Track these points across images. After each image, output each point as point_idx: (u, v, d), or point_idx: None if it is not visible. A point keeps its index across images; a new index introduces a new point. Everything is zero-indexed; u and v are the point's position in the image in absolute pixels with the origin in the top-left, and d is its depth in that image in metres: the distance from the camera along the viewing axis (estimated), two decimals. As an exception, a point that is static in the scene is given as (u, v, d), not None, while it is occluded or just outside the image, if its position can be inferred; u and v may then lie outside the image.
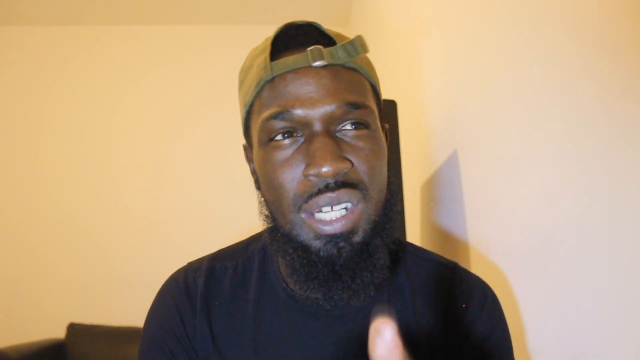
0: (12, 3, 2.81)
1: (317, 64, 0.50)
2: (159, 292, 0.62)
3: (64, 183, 2.88)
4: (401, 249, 0.63)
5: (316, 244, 0.50)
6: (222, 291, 0.60)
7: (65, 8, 2.87)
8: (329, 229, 0.49)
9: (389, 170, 0.55)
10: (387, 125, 0.61)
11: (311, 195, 0.49)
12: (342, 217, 0.49)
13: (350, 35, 0.57)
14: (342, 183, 0.49)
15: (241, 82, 0.58)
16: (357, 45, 0.52)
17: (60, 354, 2.43)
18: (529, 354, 0.74)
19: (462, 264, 0.67)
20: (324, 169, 0.47)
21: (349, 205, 0.50)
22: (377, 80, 0.58)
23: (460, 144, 1.04)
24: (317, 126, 0.50)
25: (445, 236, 1.15)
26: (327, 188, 0.49)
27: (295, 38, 0.54)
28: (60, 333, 2.53)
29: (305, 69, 0.51)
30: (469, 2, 0.99)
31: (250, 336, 0.57)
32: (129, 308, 2.47)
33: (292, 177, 0.50)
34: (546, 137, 0.68)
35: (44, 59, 3.03)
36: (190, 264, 0.63)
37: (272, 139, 0.51)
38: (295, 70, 0.51)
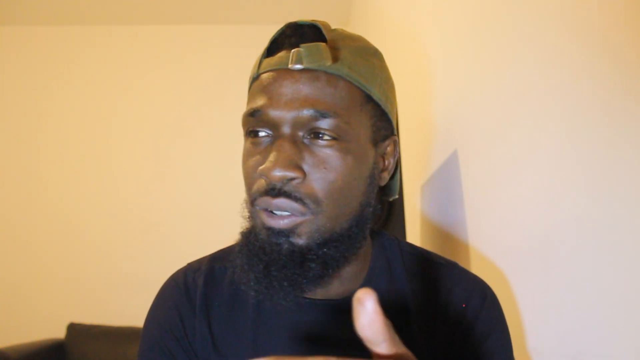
0: (12, 3, 2.81)
1: (295, 67, 0.50)
2: (158, 292, 0.62)
3: (64, 183, 2.88)
4: (401, 250, 0.63)
5: (262, 236, 0.51)
6: (221, 292, 0.60)
7: (65, 8, 2.87)
8: (272, 222, 0.50)
9: (371, 185, 0.54)
10: (395, 137, 0.59)
11: (260, 195, 0.51)
12: (285, 217, 0.50)
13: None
14: (284, 192, 0.49)
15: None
16: (322, 53, 0.50)
17: (60, 354, 2.43)
18: (528, 354, 0.74)
19: (462, 264, 0.67)
20: (271, 173, 0.48)
21: (288, 213, 0.50)
22: (380, 88, 0.55)
23: (460, 144, 1.04)
24: (285, 129, 0.50)
25: (445, 236, 1.15)
26: (268, 193, 0.49)
27: (290, 39, 0.53)
28: (60, 333, 2.53)
29: (284, 71, 0.51)
30: (469, 2, 0.99)
31: (250, 337, 0.56)
32: (129, 308, 2.48)
33: (252, 173, 0.52)
34: (546, 137, 0.68)
35: (44, 59, 3.03)
36: (189, 265, 0.63)
37: (247, 135, 0.53)
38: (275, 71, 0.51)
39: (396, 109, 0.61)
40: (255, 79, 0.54)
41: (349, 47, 0.53)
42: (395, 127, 0.59)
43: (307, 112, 0.49)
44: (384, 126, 0.56)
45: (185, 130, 2.96)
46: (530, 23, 0.72)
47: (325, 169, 0.50)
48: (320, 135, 0.50)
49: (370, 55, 0.54)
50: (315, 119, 0.49)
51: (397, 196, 0.65)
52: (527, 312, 0.75)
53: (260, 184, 0.51)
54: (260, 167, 0.49)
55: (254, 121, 0.51)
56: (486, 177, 0.91)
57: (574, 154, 0.61)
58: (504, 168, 0.83)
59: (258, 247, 0.51)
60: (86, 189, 2.87)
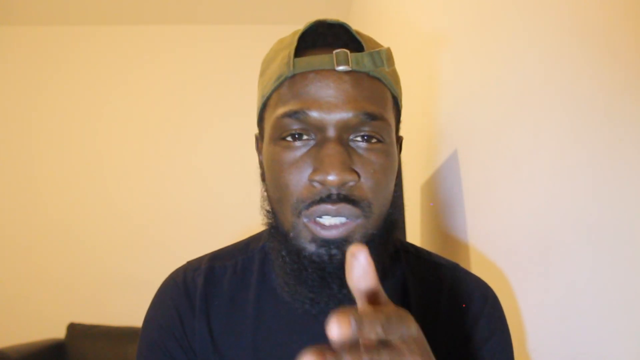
0: (12, 3, 2.81)
1: (340, 68, 0.49)
2: (157, 291, 0.62)
3: (64, 183, 2.88)
4: (402, 250, 0.63)
5: (310, 247, 0.50)
6: (221, 291, 0.59)
7: (65, 8, 2.87)
8: (325, 234, 0.49)
9: (396, 185, 0.55)
10: (402, 137, 0.60)
11: (313, 203, 0.49)
12: (340, 224, 0.49)
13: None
14: (345, 197, 0.48)
15: (262, 72, 0.57)
16: (384, 58, 0.51)
17: (60, 354, 2.43)
18: (529, 355, 0.74)
19: (462, 264, 0.67)
20: (330, 177, 0.47)
21: (346, 219, 0.49)
22: (400, 92, 0.56)
23: (460, 144, 1.04)
24: (331, 132, 0.49)
25: (445, 236, 1.15)
26: (329, 199, 0.48)
27: (323, 37, 0.52)
28: (60, 333, 2.53)
29: (328, 72, 0.50)
30: (468, 2, 0.99)
31: (250, 336, 0.56)
32: (129, 308, 2.48)
33: (297, 180, 0.50)
34: (546, 137, 0.68)
35: (42, 59, 3.03)
36: (189, 263, 0.63)
37: (283, 138, 0.51)
38: (317, 71, 0.50)
39: None
40: (287, 78, 0.51)
41: (376, 50, 0.52)
42: None
43: (354, 114, 0.48)
44: (399, 127, 0.58)
45: (183, 131, 2.96)
46: (531, 23, 0.72)
47: (374, 171, 0.50)
48: (366, 138, 0.50)
49: (393, 60, 0.55)
50: (364, 122, 0.49)
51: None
52: (527, 312, 0.75)
53: (311, 191, 0.49)
54: (316, 173, 0.48)
55: (294, 123, 0.49)
56: (486, 177, 0.91)
57: (574, 154, 0.61)
58: (504, 168, 0.83)
59: (308, 261, 0.49)
60: (85, 189, 2.87)
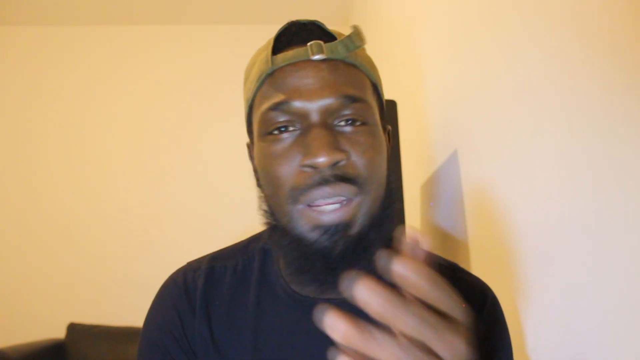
0: (12, 3, 2.81)
1: (316, 57, 0.51)
2: (158, 292, 0.62)
3: (63, 183, 2.88)
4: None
5: (312, 235, 0.50)
6: (221, 291, 0.59)
7: (64, 8, 2.87)
8: (325, 219, 0.49)
9: (388, 169, 0.55)
10: (389, 127, 0.61)
11: (308, 188, 0.49)
12: (340, 208, 0.49)
13: (345, 33, 0.57)
14: (339, 177, 0.49)
15: (245, 80, 0.59)
16: (355, 39, 0.53)
17: (60, 354, 2.43)
18: (528, 356, 0.74)
19: (462, 264, 0.67)
20: (320, 159, 0.47)
21: (344, 198, 0.49)
22: (379, 79, 0.58)
23: (460, 144, 1.04)
24: (315, 118, 0.50)
25: (445, 236, 1.15)
26: (325, 182, 0.48)
27: (297, 35, 0.54)
28: (60, 333, 2.53)
29: (305, 62, 0.51)
30: (468, 2, 0.99)
31: (251, 336, 0.56)
32: (129, 308, 2.48)
33: (289, 169, 0.50)
34: (546, 137, 0.68)
35: (42, 59, 3.03)
36: (189, 264, 0.63)
37: (270, 132, 0.52)
38: (294, 64, 0.52)
39: None
40: (268, 75, 0.53)
41: (346, 41, 0.54)
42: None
43: (335, 99, 0.50)
44: (384, 116, 0.58)
45: (183, 131, 2.96)
46: (531, 23, 0.72)
47: (362, 149, 0.51)
48: (350, 121, 0.51)
49: (362, 35, 0.55)
50: (345, 104, 0.50)
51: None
52: (527, 313, 0.75)
53: (304, 177, 0.49)
54: (306, 158, 0.48)
55: (278, 115, 0.51)
56: (486, 177, 0.91)
57: (574, 154, 0.61)
58: (504, 168, 0.83)
59: (310, 250, 0.49)
60: (85, 189, 2.87)
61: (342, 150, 0.49)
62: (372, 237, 0.50)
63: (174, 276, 0.62)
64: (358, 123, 0.51)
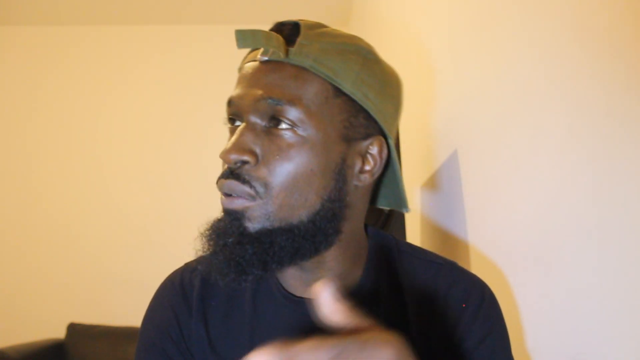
0: (12, 3, 2.81)
1: (261, 59, 0.52)
2: (155, 293, 0.62)
3: (64, 183, 2.88)
4: (397, 250, 0.63)
5: (222, 218, 0.52)
6: (218, 292, 0.59)
7: (65, 8, 2.87)
8: (225, 202, 0.52)
9: (339, 181, 0.52)
10: (380, 138, 0.56)
11: (219, 177, 0.52)
12: (235, 198, 0.51)
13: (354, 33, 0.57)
14: (235, 174, 0.50)
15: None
16: (303, 36, 0.52)
17: (60, 354, 2.43)
18: (528, 354, 0.74)
19: (462, 264, 0.67)
20: (225, 155, 0.50)
21: (237, 195, 0.51)
22: (354, 84, 0.53)
23: (460, 144, 1.04)
24: (247, 117, 0.52)
25: (445, 236, 1.15)
26: (224, 176, 0.51)
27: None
28: (60, 333, 2.53)
29: (254, 62, 0.54)
30: (469, 2, 0.99)
31: (247, 336, 0.56)
32: (129, 308, 2.47)
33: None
34: (546, 137, 0.68)
35: (42, 59, 3.03)
36: (186, 265, 0.63)
37: (227, 124, 0.56)
38: (249, 63, 0.54)
39: (393, 112, 0.59)
40: (239, 71, 0.57)
41: (324, 42, 0.53)
42: (388, 129, 0.56)
43: (259, 99, 0.51)
44: (363, 124, 0.54)
45: (183, 131, 2.96)
46: (531, 23, 0.72)
47: (280, 157, 0.50)
48: (278, 124, 0.51)
49: (348, 52, 0.53)
50: (269, 106, 0.50)
51: (408, 209, 0.61)
52: (527, 312, 0.75)
53: (224, 168, 0.53)
54: (221, 152, 0.51)
55: (229, 109, 0.54)
56: (486, 177, 0.91)
57: (575, 154, 0.61)
58: (504, 168, 0.83)
59: (220, 228, 0.52)
60: (85, 188, 2.87)
61: (251, 153, 0.50)
62: (282, 243, 0.50)
63: (171, 277, 0.62)
64: (283, 126, 0.50)
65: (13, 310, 2.71)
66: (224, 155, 0.50)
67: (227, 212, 0.52)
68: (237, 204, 0.50)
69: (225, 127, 0.56)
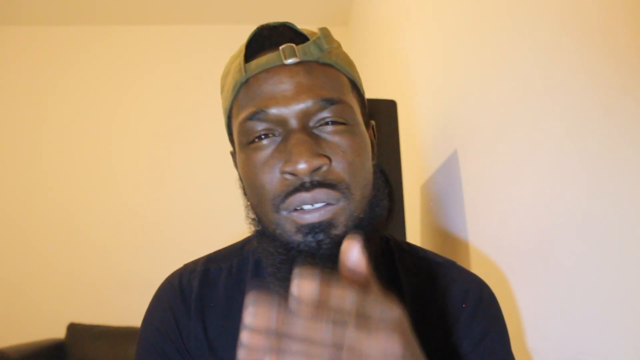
0: (12, 3, 2.81)
1: (289, 61, 0.50)
2: (154, 294, 0.62)
3: (65, 183, 2.88)
4: (396, 248, 0.63)
5: (296, 238, 0.49)
6: (217, 293, 0.59)
7: (65, 8, 2.87)
8: (307, 217, 0.49)
9: (375, 166, 0.55)
10: (373, 122, 0.60)
11: (288, 194, 0.49)
12: (321, 208, 0.49)
13: (345, 33, 0.57)
14: (319, 182, 0.48)
15: (221, 89, 0.58)
16: (324, 41, 0.52)
17: (60, 354, 2.43)
18: (528, 354, 0.74)
19: (462, 263, 0.67)
20: (300, 166, 0.47)
21: (324, 203, 0.49)
22: (357, 75, 0.57)
23: (460, 144, 1.04)
24: (293, 124, 0.50)
25: (445, 236, 1.15)
26: (303, 187, 0.48)
27: (269, 39, 0.53)
28: (60, 333, 2.53)
29: (278, 68, 0.51)
30: (469, 2, 0.99)
31: (246, 337, 0.56)
32: (129, 308, 2.47)
33: (271, 177, 0.50)
34: (546, 137, 0.68)
35: (44, 59, 3.03)
36: (185, 266, 0.63)
37: (251, 142, 0.51)
38: (268, 70, 0.51)
39: None
40: (243, 84, 0.52)
41: (319, 36, 0.53)
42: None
43: (312, 102, 0.49)
44: (366, 112, 0.58)
45: (185, 130, 2.96)
46: (530, 23, 0.72)
47: (343, 152, 0.50)
48: (330, 123, 0.50)
49: (331, 37, 0.55)
50: (323, 107, 0.50)
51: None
52: (527, 312, 0.75)
53: (284, 184, 0.49)
54: (286, 165, 0.48)
55: (256, 124, 0.50)
56: (486, 177, 0.91)
57: (575, 154, 0.61)
58: (504, 168, 0.83)
59: (296, 251, 0.49)
60: (86, 188, 2.87)
61: (323, 156, 0.49)
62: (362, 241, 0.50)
63: (170, 278, 0.62)
64: (338, 125, 0.50)
65: (13, 310, 2.71)
66: (296, 165, 0.47)
67: (309, 226, 0.48)
68: (323, 213, 0.48)
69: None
